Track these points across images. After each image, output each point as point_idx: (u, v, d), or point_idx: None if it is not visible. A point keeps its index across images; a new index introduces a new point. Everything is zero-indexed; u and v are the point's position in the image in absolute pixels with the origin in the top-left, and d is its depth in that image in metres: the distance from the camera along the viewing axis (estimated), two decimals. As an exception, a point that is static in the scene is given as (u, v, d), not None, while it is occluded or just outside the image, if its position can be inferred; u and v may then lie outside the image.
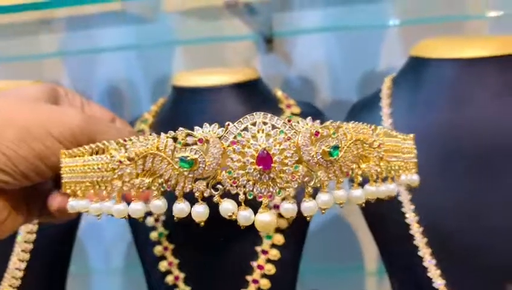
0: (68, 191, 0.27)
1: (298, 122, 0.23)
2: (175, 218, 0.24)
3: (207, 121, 0.46)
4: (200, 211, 0.23)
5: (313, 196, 0.24)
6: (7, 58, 0.77)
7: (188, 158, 0.23)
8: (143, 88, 0.75)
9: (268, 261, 0.41)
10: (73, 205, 0.27)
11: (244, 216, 0.23)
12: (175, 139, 0.23)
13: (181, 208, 0.24)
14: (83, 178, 0.26)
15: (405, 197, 0.38)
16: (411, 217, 0.38)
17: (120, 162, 0.24)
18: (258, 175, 0.23)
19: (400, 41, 0.64)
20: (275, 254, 0.41)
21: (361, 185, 0.25)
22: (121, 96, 0.77)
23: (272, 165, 0.22)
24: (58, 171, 0.27)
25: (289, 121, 0.23)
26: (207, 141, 0.23)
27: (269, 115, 0.23)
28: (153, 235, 0.43)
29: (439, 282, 0.37)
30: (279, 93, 0.49)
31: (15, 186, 0.27)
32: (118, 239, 0.78)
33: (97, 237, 0.78)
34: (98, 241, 0.78)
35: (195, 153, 0.23)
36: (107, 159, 0.24)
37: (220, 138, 0.23)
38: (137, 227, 0.44)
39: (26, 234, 0.45)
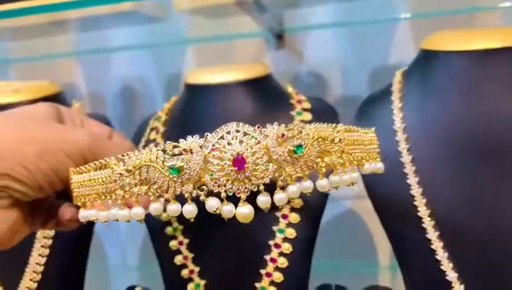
0: (79, 203, 0.30)
1: (267, 128, 0.27)
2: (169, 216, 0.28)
3: (218, 117, 0.46)
4: (190, 210, 0.28)
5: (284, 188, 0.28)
6: (23, 59, 0.78)
7: (176, 166, 0.27)
8: (156, 86, 0.76)
9: (285, 239, 0.42)
10: (84, 214, 0.30)
11: (227, 210, 0.27)
12: (164, 151, 0.27)
13: (174, 208, 0.28)
14: (90, 191, 0.29)
15: (416, 191, 0.39)
16: (423, 211, 0.38)
17: (120, 174, 0.28)
18: (235, 175, 0.27)
19: (411, 34, 0.64)
20: (291, 232, 0.42)
21: (327, 176, 0.30)
22: (134, 94, 0.78)
23: (245, 165, 0.27)
24: (67, 184, 0.30)
25: (258, 127, 0.27)
26: (191, 150, 0.27)
27: (241, 124, 0.27)
28: (168, 229, 0.44)
29: (452, 275, 0.37)
30: (289, 89, 0.49)
31: (30, 197, 0.29)
32: (134, 235, 0.79)
33: (114, 233, 0.79)
34: (115, 237, 0.79)
35: (181, 161, 0.27)
36: (109, 172, 0.28)
37: (201, 147, 0.27)
38: (153, 222, 0.45)
39: (45, 230, 0.46)
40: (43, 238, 0.47)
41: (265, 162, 0.27)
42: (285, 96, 0.47)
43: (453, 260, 0.37)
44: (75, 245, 0.48)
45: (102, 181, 0.29)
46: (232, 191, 0.27)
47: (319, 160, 0.29)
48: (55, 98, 0.52)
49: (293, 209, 0.42)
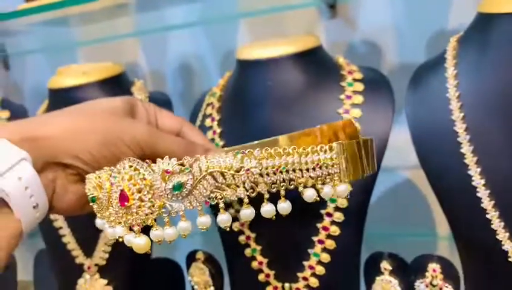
0: None
1: (158, 162, 0.27)
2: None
3: (270, 91, 0.47)
4: (109, 232, 0.30)
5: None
6: (89, 42, 0.84)
7: (91, 196, 0.30)
8: (211, 62, 0.79)
9: (337, 209, 0.43)
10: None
11: (126, 239, 0.29)
12: (96, 178, 0.30)
13: (105, 229, 0.31)
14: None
15: (471, 160, 0.38)
16: (477, 180, 0.37)
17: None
18: (124, 210, 0.28)
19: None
20: (342, 202, 0.42)
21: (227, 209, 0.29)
22: (192, 71, 0.81)
23: (127, 203, 0.28)
24: None
25: (148, 162, 0.28)
26: (102, 182, 0.29)
27: (134, 160, 0.28)
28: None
29: (508, 244, 0.37)
30: (340, 60, 0.49)
31: None
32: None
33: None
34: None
35: (97, 192, 0.30)
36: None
37: (107, 179, 0.29)
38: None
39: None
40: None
41: (150, 199, 0.27)
42: (336, 68, 0.47)
43: (509, 230, 0.36)
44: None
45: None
46: (128, 224, 0.28)
47: (217, 194, 0.28)
48: (119, 78, 0.56)
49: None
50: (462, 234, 0.41)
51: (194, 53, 0.80)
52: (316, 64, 0.46)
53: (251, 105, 0.46)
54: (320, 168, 0.29)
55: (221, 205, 0.28)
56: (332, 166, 0.29)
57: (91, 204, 0.31)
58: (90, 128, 0.32)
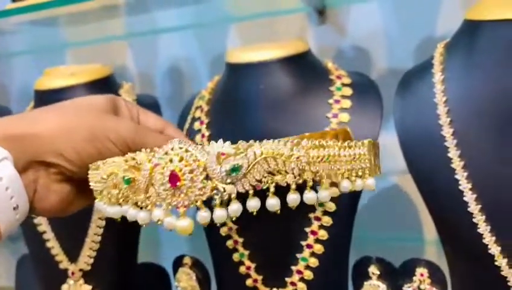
0: (95, 194, 0.33)
1: (211, 144, 0.28)
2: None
3: (259, 95, 0.47)
4: (141, 216, 0.29)
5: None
6: (78, 44, 0.83)
7: (126, 177, 0.29)
8: (201, 66, 0.79)
9: (325, 213, 0.43)
10: (97, 205, 0.33)
11: (167, 221, 0.28)
12: (126, 161, 0.29)
13: (131, 213, 0.30)
14: (94, 187, 0.33)
15: (458, 164, 0.38)
16: (464, 184, 0.38)
17: (102, 178, 0.31)
18: (172, 190, 0.28)
19: (460, 3, 0.61)
20: (330, 206, 0.42)
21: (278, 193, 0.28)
22: (181, 74, 0.80)
23: (178, 183, 0.27)
24: None
25: (201, 144, 0.28)
26: (140, 164, 0.29)
27: (184, 141, 0.28)
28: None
29: (494, 248, 0.37)
30: (329, 65, 0.49)
31: (79, 175, 0.33)
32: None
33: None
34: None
35: (132, 173, 0.29)
36: (97, 174, 0.31)
37: (149, 161, 0.28)
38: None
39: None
40: (100, 211, 0.51)
41: (202, 180, 0.27)
42: (325, 72, 0.47)
43: (496, 233, 0.37)
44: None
45: (95, 181, 0.32)
46: (172, 205, 0.28)
47: (268, 179, 0.28)
48: (107, 80, 0.56)
49: (332, 184, 0.43)
50: (449, 238, 0.42)
51: (183, 56, 0.79)
52: (305, 68, 0.46)
53: (241, 108, 0.46)
54: (355, 161, 0.31)
55: (272, 189, 0.28)
56: (365, 161, 0.32)
57: (124, 186, 0.30)
58: (75, 125, 0.32)
